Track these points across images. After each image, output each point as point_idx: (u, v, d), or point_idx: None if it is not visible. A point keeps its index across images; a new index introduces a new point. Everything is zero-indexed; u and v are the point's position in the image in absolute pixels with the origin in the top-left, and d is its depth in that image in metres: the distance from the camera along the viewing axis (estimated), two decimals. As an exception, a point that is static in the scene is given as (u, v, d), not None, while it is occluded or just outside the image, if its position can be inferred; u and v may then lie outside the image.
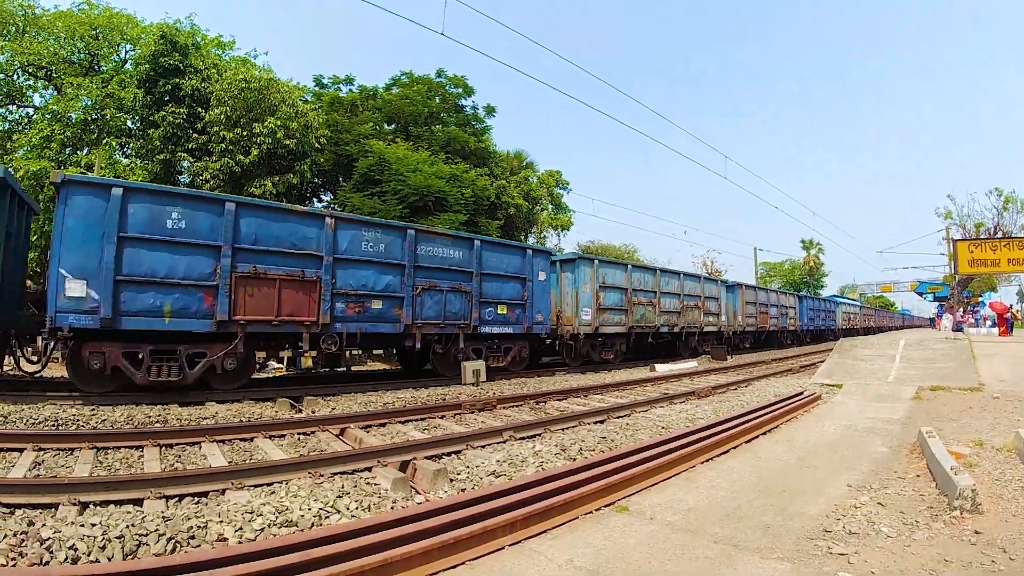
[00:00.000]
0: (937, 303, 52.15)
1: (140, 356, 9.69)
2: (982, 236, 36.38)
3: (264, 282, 10.58)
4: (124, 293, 9.36)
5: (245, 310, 10.34)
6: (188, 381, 9.98)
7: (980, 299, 40.79)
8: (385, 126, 26.97)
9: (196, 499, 4.92)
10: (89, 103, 21.11)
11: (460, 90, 28.50)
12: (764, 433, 7.74)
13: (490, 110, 29.81)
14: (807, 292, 55.41)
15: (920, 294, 61.99)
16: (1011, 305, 35.18)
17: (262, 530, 4.12)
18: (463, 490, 5.32)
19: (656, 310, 20.89)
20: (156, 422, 8.27)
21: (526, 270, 15.56)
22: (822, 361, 17.73)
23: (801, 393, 10.77)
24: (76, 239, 9.07)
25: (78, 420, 8.01)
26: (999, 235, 35.60)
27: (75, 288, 8.97)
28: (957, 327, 26.06)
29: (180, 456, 6.55)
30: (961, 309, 31.02)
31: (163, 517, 4.16)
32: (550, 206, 34.10)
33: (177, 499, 4.88)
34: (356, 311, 11.91)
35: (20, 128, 22.85)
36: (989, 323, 26.81)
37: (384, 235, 12.47)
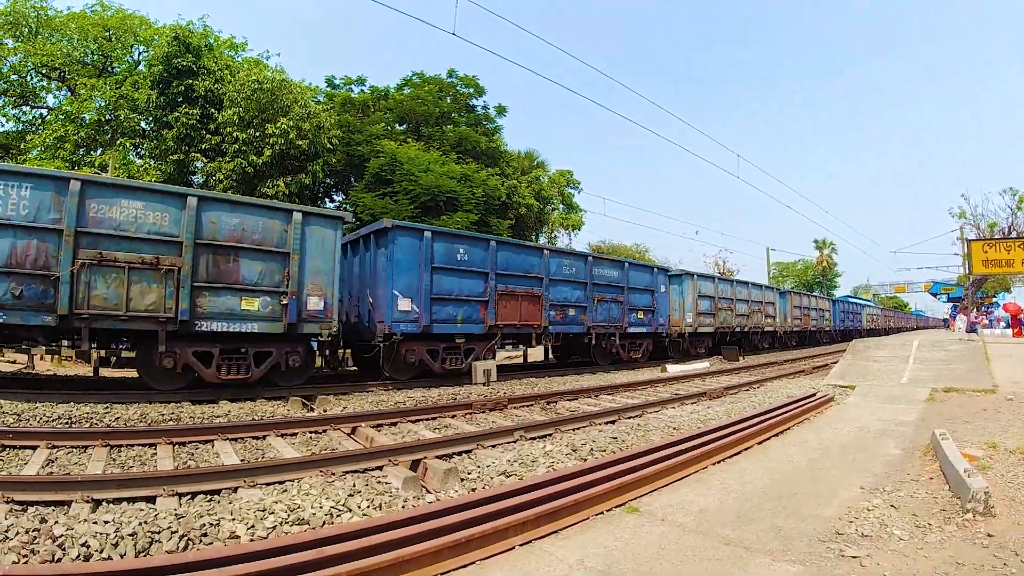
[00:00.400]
0: (951, 304, 51.67)
1: (437, 352, 13.45)
2: (996, 236, 35.98)
3: (512, 297, 14.95)
4: (435, 307, 13.23)
5: (501, 317, 14.52)
6: (464, 369, 13.75)
7: (994, 300, 40.38)
8: (396, 126, 27.07)
9: (209, 497, 4.95)
10: (103, 104, 21.33)
11: (471, 90, 28.54)
12: (776, 435, 7.70)
13: (501, 110, 29.85)
14: (819, 292, 55.17)
15: (934, 295, 61.37)
16: None
17: (274, 528, 4.15)
18: (473, 489, 5.33)
19: (733, 314, 25.46)
20: (169, 420, 8.33)
21: (654, 284, 20.29)
22: (835, 362, 17.60)
23: (814, 395, 10.70)
24: (403, 268, 12.74)
25: (92, 418, 8.08)
26: (1013, 235, 35.19)
27: (404, 304, 12.69)
28: (971, 328, 25.81)
29: (193, 454, 6.60)
30: (975, 310, 30.70)
31: (176, 515, 4.19)
32: (561, 206, 34.06)
33: (190, 497, 4.92)
34: (560, 317, 16.34)
35: (34, 129, 23.14)
36: (1003, 324, 26.53)
37: (575, 261, 17.25)
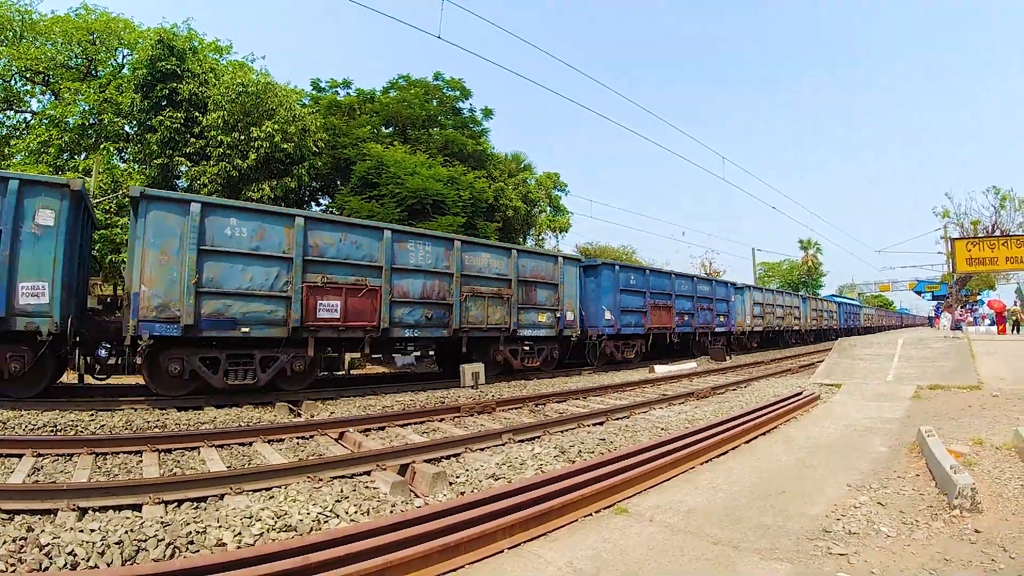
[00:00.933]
0: (935, 302, 52.22)
1: (622, 347, 19.86)
2: (980, 234, 36.39)
3: (658, 308, 21.35)
4: (622, 317, 19.37)
5: (653, 322, 20.89)
6: (632, 358, 20.10)
7: (978, 297, 40.82)
8: (383, 129, 26.97)
9: (195, 504, 4.91)
10: (87, 108, 21.10)
11: (457, 93, 28.49)
12: (763, 434, 7.74)
13: (488, 113, 29.83)
14: (805, 292, 55.85)
15: (919, 293, 62.03)
16: (1015, 303, 35.22)
17: (261, 535, 4.12)
18: (462, 493, 5.31)
19: (774, 316, 31.96)
20: (155, 427, 8.26)
21: (728, 295, 26.89)
22: (821, 361, 17.73)
23: (800, 393, 10.76)
24: (606, 291, 18.93)
25: (77, 425, 7.99)
26: (997, 233, 35.60)
27: (608, 316, 18.77)
28: (956, 326, 26.07)
29: (179, 461, 6.54)
30: (959, 307, 31.04)
31: (162, 522, 4.15)
32: (548, 208, 34.05)
33: (176, 504, 4.88)
34: (680, 321, 22.60)
35: (18, 133, 22.84)
36: (988, 321, 26.82)
37: (687, 280, 23.79)
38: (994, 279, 48.71)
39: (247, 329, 10.30)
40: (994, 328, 25.15)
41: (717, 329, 25.03)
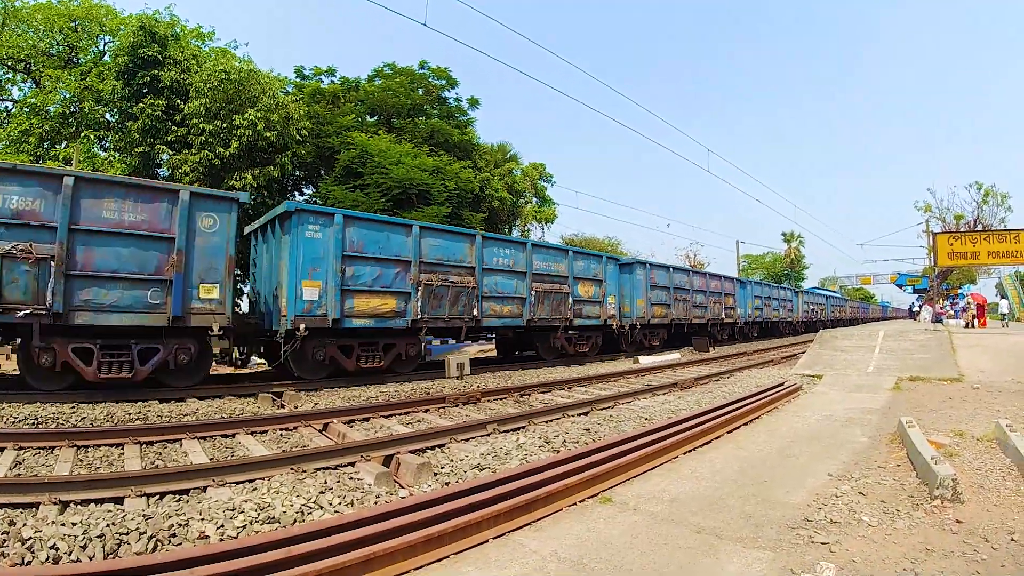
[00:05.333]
0: (916, 295, 52.91)
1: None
2: (962, 229, 36.87)
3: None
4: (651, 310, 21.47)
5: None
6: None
7: (959, 291, 41.38)
8: (367, 118, 26.74)
9: (177, 497, 4.87)
10: (67, 96, 20.76)
11: (443, 82, 28.28)
12: (746, 423, 7.80)
13: (473, 102, 29.64)
14: (788, 284, 56.61)
15: (900, 286, 63.00)
16: (996, 296, 35.78)
17: (244, 527, 4.09)
18: (447, 484, 5.31)
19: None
20: (136, 419, 8.17)
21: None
22: (803, 352, 17.89)
23: (782, 384, 10.86)
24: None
25: (58, 418, 7.88)
26: (979, 228, 36.10)
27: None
28: (936, 319, 26.41)
29: (161, 453, 6.48)
30: (941, 301, 31.44)
31: (144, 516, 4.11)
32: (534, 199, 34.00)
33: (158, 497, 4.84)
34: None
35: (-1, 122, 22.44)
36: (969, 315, 27.17)
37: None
38: (975, 273, 49.45)
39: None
40: (975, 321, 25.46)
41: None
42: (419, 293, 12.76)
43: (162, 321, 9.52)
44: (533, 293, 15.83)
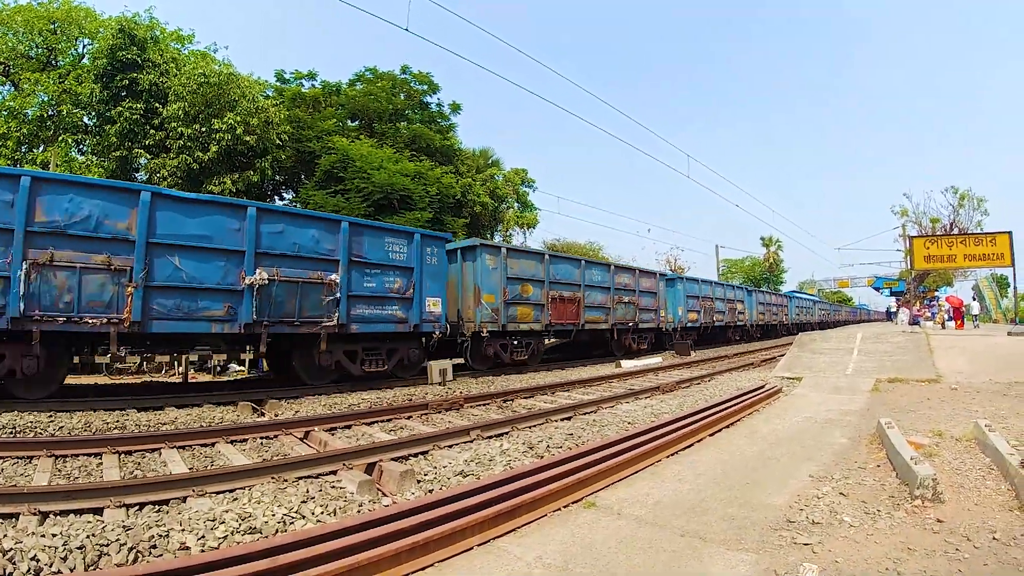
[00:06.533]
0: (894, 298, 53.65)
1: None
2: (938, 232, 37.49)
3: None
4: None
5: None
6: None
7: (935, 293, 42.05)
8: (349, 123, 26.63)
9: (157, 507, 4.79)
10: (46, 99, 20.45)
11: (425, 87, 28.29)
12: (727, 426, 7.86)
13: (455, 107, 29.66)
14: (766, 287, 57.42)
15: (877, 289, 63.86)
16: (973, 298, 36.40)
17: (225, 538, 4.05)
18: (431, 491, 5.29)
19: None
20: (114, 428, 8.05)
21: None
22: (783, 355, 18.04)
23: (763, 386, 10.96)
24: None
25: (36, 427, 7.74)
26: (955, 231, 36.72)
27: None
28: (914, 321, 26.78)
29: (139, 463, 6.38)
30: (917, 303, 31.92)
31: (124, 526, 4.05)
32: (516, 204, 34.03)
33: (138, 507, 4.75)
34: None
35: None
36: (946, 317, 27.57)
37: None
38: (951, 276, 50.28)
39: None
40: (952, 323, 25.84)
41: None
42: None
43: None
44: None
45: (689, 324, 26.13)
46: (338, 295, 11.45)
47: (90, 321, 8.84)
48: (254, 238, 10.41)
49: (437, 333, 13.63)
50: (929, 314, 29.31)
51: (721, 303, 30.09)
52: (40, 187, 8.63)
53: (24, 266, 8.31)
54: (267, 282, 10.42)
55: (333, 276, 11.48)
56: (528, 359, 16.84)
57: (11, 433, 7.44)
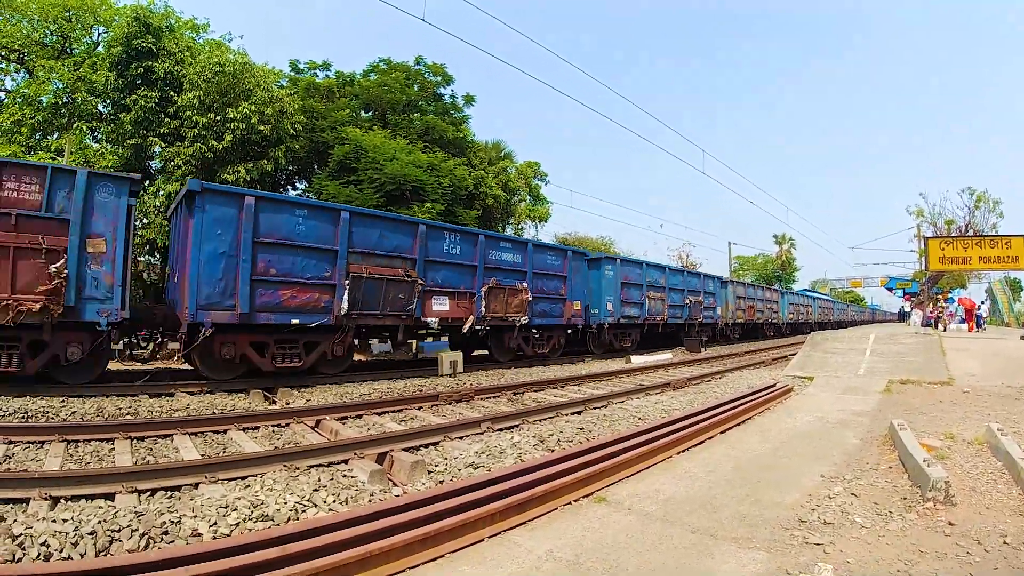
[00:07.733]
0: (907, 299, 53.19)
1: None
2: (953, 234, 37.11)
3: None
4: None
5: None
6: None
7: (949, 295, 41.63)
8: (362, 113, 26.56)
9: (169, 493, 4.83)
10: (60, 86, 20.54)
11: (439, 78, 28.16)
12: (739, 424, 7.83)
13: (469, 99, 29.52)
14: (778, 286, 57.02)
15: (890, 289, 63.28)
16: (984, 301, 36.05)
17: (237, 525, 4.07)
18: (441, 482, 5.30)
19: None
20: (127, 414, 8.12)
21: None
22: (794, 354, 17.95)
23: (774, 385, 10.89)
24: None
25: (48, 412, 7.82)
26: (971, 233, 36.34)
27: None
28: (927, 322, 26.52)
29: (152, 449, 6.44)
30: (931, 305, 31.59)
31: (135, 512, 4.07)
32: (528, 197, 33.91)
33: (149, 493, 4.79)
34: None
35: (-9, 112, 22.17)
36: (958, 319, 27.29)
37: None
38: (965, 278, 49.79)
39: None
40: (964, 325, 25.59)
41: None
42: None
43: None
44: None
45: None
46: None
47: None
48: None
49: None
50: (959, 319, 28.56)
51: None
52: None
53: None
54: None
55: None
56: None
57: (23, 417, 7.51)
